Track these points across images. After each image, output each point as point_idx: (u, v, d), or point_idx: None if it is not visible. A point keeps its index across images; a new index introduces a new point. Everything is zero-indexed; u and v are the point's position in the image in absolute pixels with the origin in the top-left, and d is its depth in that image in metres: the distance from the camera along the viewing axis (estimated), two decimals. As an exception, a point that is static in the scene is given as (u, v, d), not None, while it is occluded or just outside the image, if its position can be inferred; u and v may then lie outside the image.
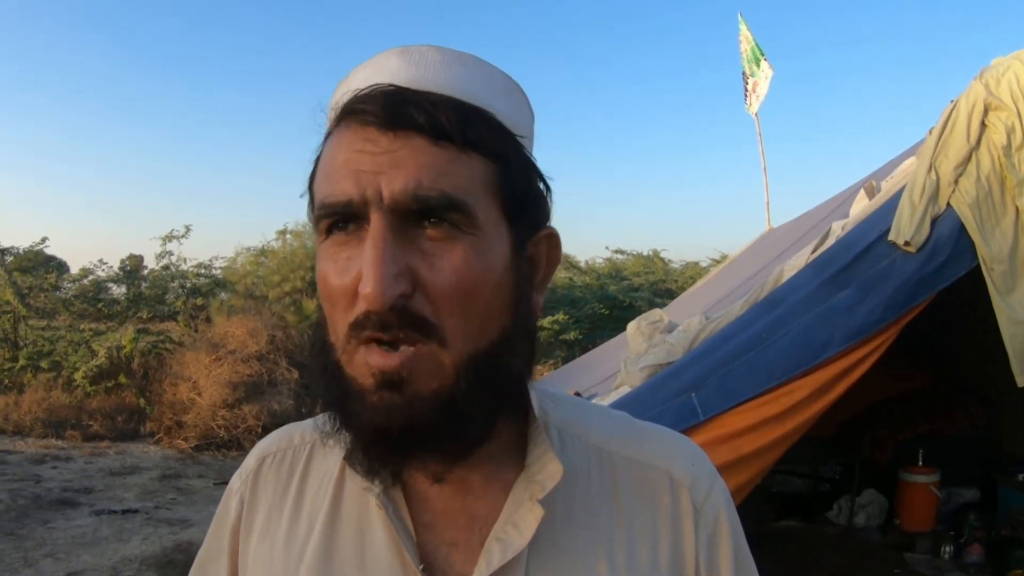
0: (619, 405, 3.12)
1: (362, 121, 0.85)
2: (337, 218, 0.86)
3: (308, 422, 1.14)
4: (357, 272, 0.84)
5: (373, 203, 0.83)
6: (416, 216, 0.83)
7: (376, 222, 0.83)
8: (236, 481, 1.13)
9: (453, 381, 0.85)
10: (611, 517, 1.00)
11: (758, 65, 9.90)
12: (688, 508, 1.02)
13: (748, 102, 10.17)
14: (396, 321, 0.82)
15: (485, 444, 0.93)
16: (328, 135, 0.91)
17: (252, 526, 1.08)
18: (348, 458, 0.95)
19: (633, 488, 1.02)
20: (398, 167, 0.82)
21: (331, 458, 1.07)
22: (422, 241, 0.84)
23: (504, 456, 0.99)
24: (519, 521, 0.95)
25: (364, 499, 1.01)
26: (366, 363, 0.84)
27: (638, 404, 3.15)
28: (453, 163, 0.84)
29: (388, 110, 0.84)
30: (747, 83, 10.17)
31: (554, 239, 0.99)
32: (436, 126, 0.83)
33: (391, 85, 0.86)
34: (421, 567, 0.94)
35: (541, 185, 0.96)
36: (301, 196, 0.95)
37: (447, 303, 0.84)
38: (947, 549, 5.55)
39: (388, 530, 0.97)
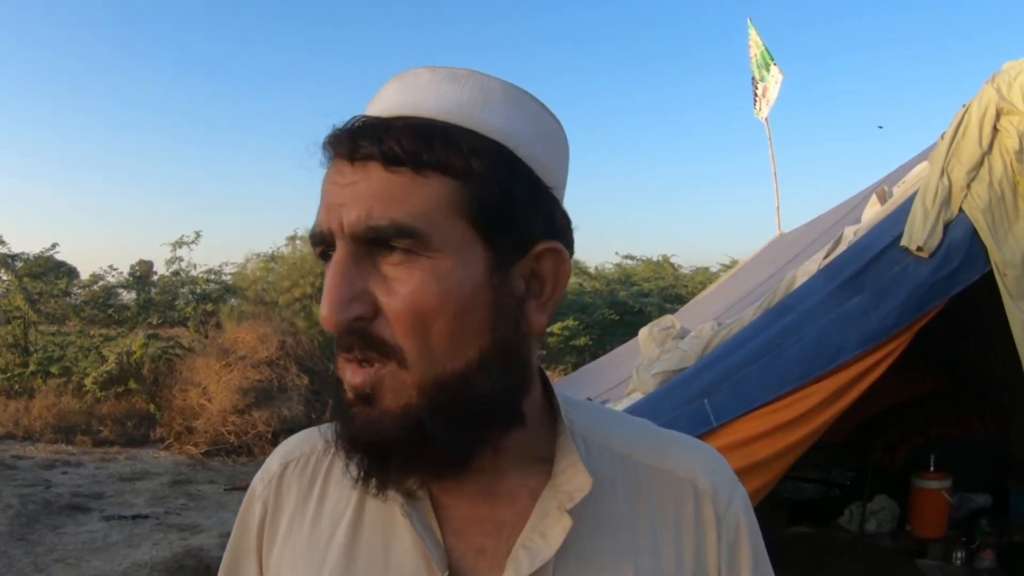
0: (631, 411, 3.11)
1: (335, 154, 0.90)
2: (322, 248, 0.91)
3: (331, 426, 1.15)
4: None
5: (337, 233, 0.87)
6: (375, 243, 0.86)
7: (338, 250, 0.88)
8: (259, 485, 1.15)
9: (417, 401, 0.88)
10: (635, 526, 1.01)
11: (768, 70, 9.88)
12: (711, 517, 1.03)
13: (757, 107, 10.15)
14: (356, 343, 0.87)
15: (507, 453, 0.96)
16: None
17: (276, 530, 1.10)
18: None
19: (657, 497, 1.03)
20: (357, 198, 0.86)
21: None
22: (384, 266, 0.87)
23: (530, 464, 1.00)
24: (546, 530, 0.96)
25: (390, 504, 1.01)
26: (345, 379, 0.90)
27: (651, 410, 3.14)
28: (407, 188, 0.86)
29: (348, 143, 0.88)
30: (756, 88, 10.14)
31: (557, 253, 0.95)
32: (388, 154, 0.86)
33: (362, 117, 0.90)
34: (446, 574, 0.95)
35: (534, 196, 0.94)
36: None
37: (403, 326, 0.87)
38: (959, 555, 5.52)
39: (414, 535, 0.98)
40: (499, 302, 0.91)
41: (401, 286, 0.86)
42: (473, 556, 0.98)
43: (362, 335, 0.86)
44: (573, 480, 0.97)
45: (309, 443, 1.14)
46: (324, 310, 0.85)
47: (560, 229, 0.97)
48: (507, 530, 0.98)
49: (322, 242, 0.90)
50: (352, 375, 0.88)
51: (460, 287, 0.88)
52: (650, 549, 1.00)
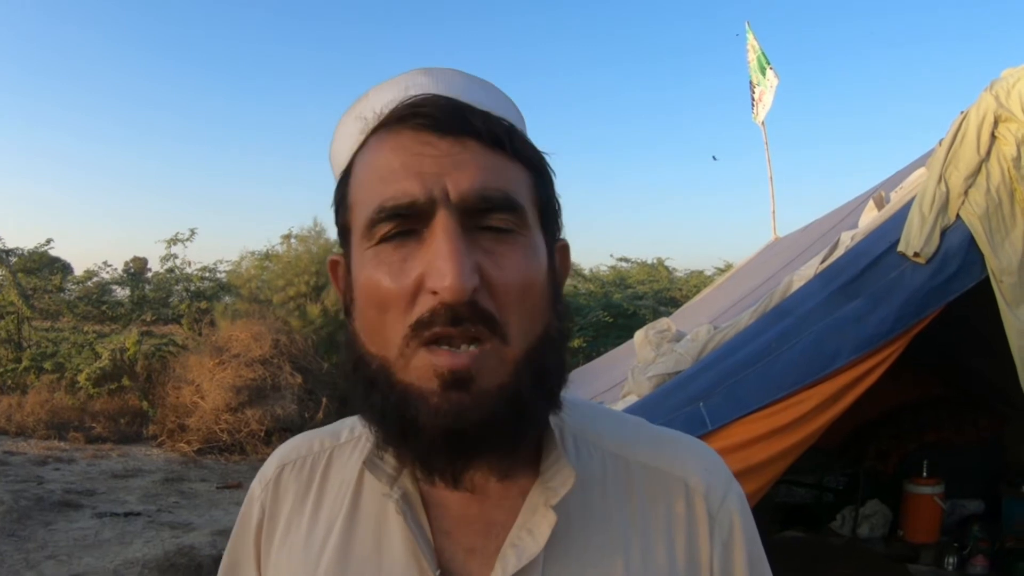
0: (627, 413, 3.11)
1: (416, 126, 0.88)
2: (396, 222, 0.87)
3: (326, 429, 1.17)
4: (417, 274, 0.85)
5: (440, 201, 0.85)
6: (477, 216, 0.86)
7: (446, 219, 0.85)
8: (257, 487, 1.15)
9: (514, 377, 0.87)
10: (626, 523, 1.01)
11: (764, 74, 9.90)
12: (703, 515, 1.04)
13: (755, 111, 10.17)
14: (468, 315, 0.84)
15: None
16: (362, 145, 0.93)
17: (274, 532, 1.10)
18: (370, 463, 0.99)
19: (648, 494, 1.04)
20: (461, 168, 0.86)
21: (349, 464, 1.09)
22: (483, 241, 0.87)
23: (521, 463, 1.00)
24: (533, 527, 0.96)
25: (382, 505, 1.02)
26: (431, 365, 0.85)
27: (646, 413, 3.13)
28: (506, 169, 0.89)
29: (447, 115, 0.87)
30: (754, 92, 10.16)
31: (566, 251, 1.05)
32: (492, 134, 0.88)
33: (441, 96, 0.90)
34: (439, 573, 0.96)
35: (558, 197, 1.01)
36: (331, 207, 0.97)
37: (510, 299, 0.87)
38: (951, 560, 5.53)
39: (406, 536, 0.99)
40: (553, 283, 0.96)
41: (507, 260, 0.87)
42: (464, 555, 0.98)
43: (474, 307, 0.84)
44: (558, 476, 0.98)
45: (306, 445, 1.15)
46: (450, 279, 0.82)
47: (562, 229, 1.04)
48: (496, 529, 0.99)
49: (404, 213, 0.87)
50: (451, 358, 0.84)
51: (543, 265, 0.93)
52: (640, 546, 1.00)
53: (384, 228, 0.88)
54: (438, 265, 0.83)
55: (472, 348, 0.84)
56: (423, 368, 0.86)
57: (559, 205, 1.01)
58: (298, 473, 1.12)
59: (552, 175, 0.99)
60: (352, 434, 1.13)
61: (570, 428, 1.05)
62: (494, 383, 0.86)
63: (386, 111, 0.91)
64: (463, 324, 0.84)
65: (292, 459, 1.14)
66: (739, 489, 1.09)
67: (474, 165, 0.86)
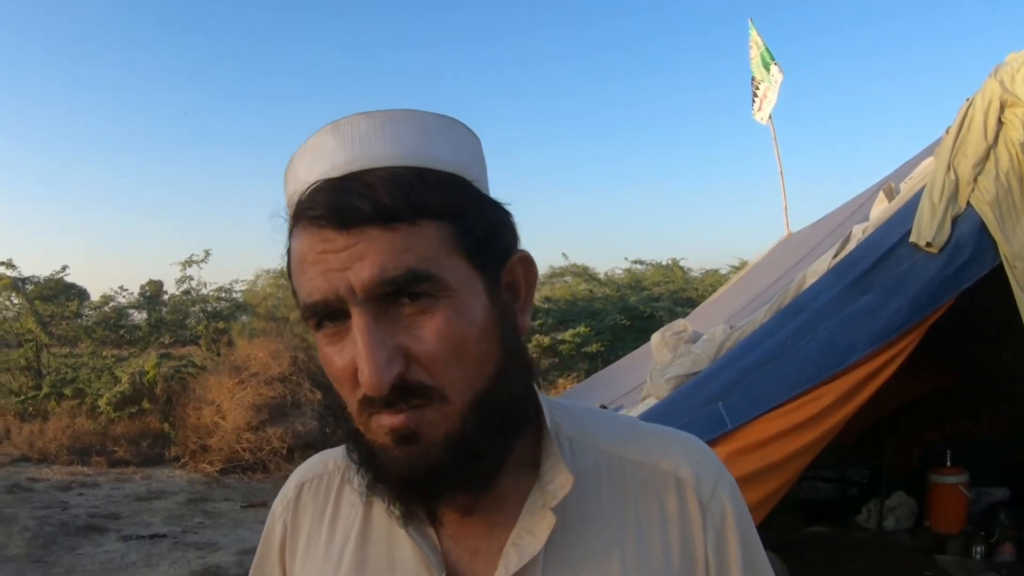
0: (647, 417, 3.11)
1: (316, 224, 0.90)
2: (320, 317, 0.93)
3: (341, 448, 1.20)
4: (351, 358, 0.91)
5: (348, 298, 0.89)
6: (392, 297, 0.89)
7: (357, 315, 0.90)
8: (279, 506, 1.23)
9: (460, 425, 0.93)
10: (622, 520, 1.06)
11: (768, 70, 9.87)
12: (695, 506, 1.07)
13: (757, 106, 10.14)
14: (399, 396, 0.90)
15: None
16: (291, 229, 0.96)
17: (296, 548, 1.18)
18: (371, 488, 1.02)
19: (641, 490, 1.08)
20: (361, 259, 0.88)
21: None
22: (403, 318, 0.90)
23: (520, 468, 1.05)
24: (534, 528, 1.02)
25: (393, 515, 1.06)
26: (380, 426, 0.92)
27: (666, 415, 3.15)
28: (408, 239, 0.89)
29: (335, 210, 0.89)
30: (756, 89, 10.13)
31: (526, 260, 1.05)
32: (383, 212, 0.88)
33: (329, 180, 0.91)
34: (444, 575, 1.02)
35: (498, 215, 1.01)
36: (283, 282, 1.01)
37: (439, 366, 0.91)
38: (978, 549, 5.51)
39: (414, 542, 1.05)
40: (502, 317, 0.99)
41: (427, 331, 0.90)
42: (468, 557, 1.05)
43: (404, 388, 0.89)
44: (556, 479, 1.03)
45: (322, 464, 1.23)
46: (370, 379, 0.87)
47: (517, 234, 1.04)
48: (498, 531, 1.04)
49: (323, 311, 0.92)
50: (391, 418, 0.91)
51: (476, 315, 0.94)
52: (636, 542, 1.04)
53: (313, 321, 0.95)
54: (359, 363, 0.89)
55: (412, 409, 0.91)
56: (377, 429, 0.93)
57: (498, 226, 0.99)
58: (315, 491, 1.20)
59: (480, 203, 0.97)
60: None
61: (565, 432, 1.09)
62: (439, 433, 0.92)
63: (295, 198, 0.94)
64: (396, 405, 0.90)
65: (310, 478, 1.22)
66: (730, 478, 1.12)
67: (371, 253, 0.88)
